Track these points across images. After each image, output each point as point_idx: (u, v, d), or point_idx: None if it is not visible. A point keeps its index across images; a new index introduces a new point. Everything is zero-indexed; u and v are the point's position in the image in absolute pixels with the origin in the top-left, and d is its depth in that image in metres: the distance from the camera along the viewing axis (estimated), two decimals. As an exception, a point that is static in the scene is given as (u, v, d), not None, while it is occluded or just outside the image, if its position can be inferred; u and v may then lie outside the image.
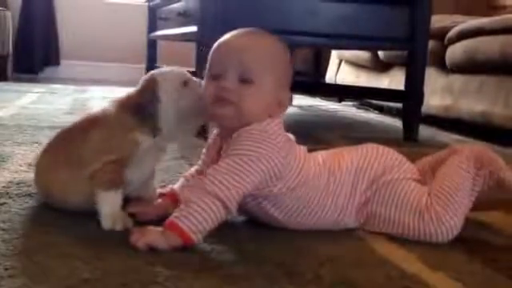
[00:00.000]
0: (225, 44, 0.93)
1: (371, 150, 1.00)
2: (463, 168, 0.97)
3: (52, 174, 0.98)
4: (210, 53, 0.95)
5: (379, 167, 0.97)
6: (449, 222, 0.93)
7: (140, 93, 0.98)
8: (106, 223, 0.91)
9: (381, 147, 1.01)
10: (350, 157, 0.98)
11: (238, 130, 0.90)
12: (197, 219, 0.82)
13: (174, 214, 0.84)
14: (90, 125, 0.96)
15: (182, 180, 1.04)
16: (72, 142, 0.97)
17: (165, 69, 1.04)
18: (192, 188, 0.87)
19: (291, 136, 0.97)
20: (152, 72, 1.02)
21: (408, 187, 0.96)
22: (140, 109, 0.95)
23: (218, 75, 0.91)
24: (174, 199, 0.99)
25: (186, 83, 0.98)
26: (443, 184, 0.96)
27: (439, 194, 0.95)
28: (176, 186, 1.03)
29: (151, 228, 0.84)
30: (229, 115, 0.90)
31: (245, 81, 0.89)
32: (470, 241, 0.94)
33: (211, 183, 0.84)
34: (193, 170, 1.05)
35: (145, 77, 1.01)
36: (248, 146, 0.87)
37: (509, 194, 0.99)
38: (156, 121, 0.95)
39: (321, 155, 1.00)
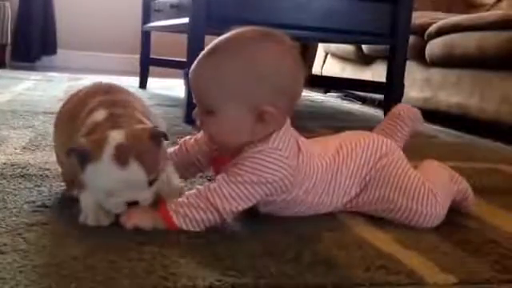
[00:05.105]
0: (190, 73, 0.87)
1: (371, 139, 0.97)
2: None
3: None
4: None
5: (377, 154, 0.95)
6: (446, 205, 0.94)
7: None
8: (90, 220, 0.82)
9: (376, 135, 1.00)
10: (354, 148, 0.95)
11: (244, 149, 0.85)
12: (189, 218, 0.81)
13: (173, 207, 0.82)
14: (87, 117, 0.86)
15: (178, 147, 0.99)
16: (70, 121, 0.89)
17: None
18: (197, 193, 0.83)
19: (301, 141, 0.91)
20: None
21: (404, 167, 0.95)
22: None
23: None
24: None
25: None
26: (438, 173, 0.98)
27: (433, 180, 0.95)
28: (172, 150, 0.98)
29: (138, 209, 0.83)
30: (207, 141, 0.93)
31: (208, 112, 0.86)
32: (444, 224, 0.94)
33: (217, 196, 0.82)
34: (192, 139, 0.99)
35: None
36: (259, 166, 0.83)
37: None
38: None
39: (330, 149, 0.94)
